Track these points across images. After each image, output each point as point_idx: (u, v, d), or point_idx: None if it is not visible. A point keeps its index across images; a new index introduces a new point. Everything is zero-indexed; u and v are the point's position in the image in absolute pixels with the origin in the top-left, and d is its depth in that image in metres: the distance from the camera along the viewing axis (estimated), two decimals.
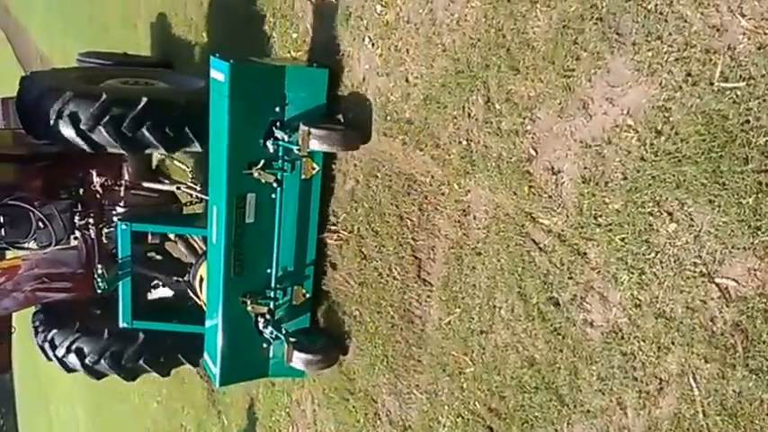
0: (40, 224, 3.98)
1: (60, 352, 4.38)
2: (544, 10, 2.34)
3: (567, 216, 2.31)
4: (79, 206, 4.09)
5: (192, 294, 4.08)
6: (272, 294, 3.50)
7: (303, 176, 3.39)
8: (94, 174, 4.12)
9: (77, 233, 4.10)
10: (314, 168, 3.41)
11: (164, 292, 4.30)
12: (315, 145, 3.10)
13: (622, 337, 2.16)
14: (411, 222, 3.06)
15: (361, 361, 3.46)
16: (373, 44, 3.19)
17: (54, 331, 4.39)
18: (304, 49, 3.67)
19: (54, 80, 3.80)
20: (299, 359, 3.40)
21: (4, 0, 20.71)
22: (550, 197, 2.37)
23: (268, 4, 4.01)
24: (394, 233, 3.16)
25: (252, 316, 3.48)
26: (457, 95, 2.72)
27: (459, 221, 2.78)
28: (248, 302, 3.42)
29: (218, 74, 3.12)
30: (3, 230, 3.94)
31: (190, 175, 4.48)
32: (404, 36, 2.98)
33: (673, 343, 2.02)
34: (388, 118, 3.14)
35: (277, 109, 3.22)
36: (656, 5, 1.99)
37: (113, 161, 4.25)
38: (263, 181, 3.24)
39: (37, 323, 4.47)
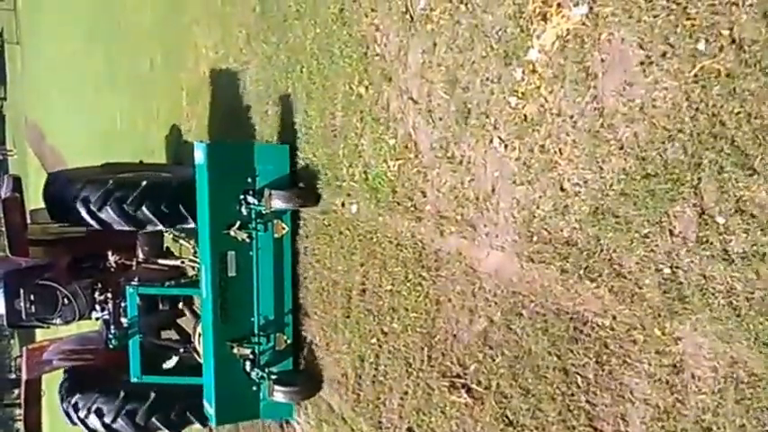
0: (65, 300, 4.69)
1: (82, 413, 4.92)
2: None
3: None
4: (99, 283, 4.81)
5: (195, 355, 4.70)
6: (256, 340, 4.13)
7: (275, 235, 4.14)
8: (110, 253, 4.96)
9: (98, 311, 4.82)
10: (283, 228, 4.15)
11: (173, 362, 4.94)
12: (277, 203, 3.89)
13: None
14: (584, 380, 2.38)
15: None
16: (506, 145, 2.65)
17: (77, 396, 4.97)
18: (406, 156, 3.16)
19: (73, 174, 4.74)
20: (279, 392, 4.05)
21: (39, 125, 21.50)
22: None
23: (353, 106, 3.55)
24: (556, 393, 2.48)
25: (240, 360, 4.09)
26: (649, 206, 2.12)
27: (666, 381, 2.11)
28: (234, 346, 4.04)
29: (200, 154, 3.94)
30: (33, 307, 4.60)
31: (192, 250, 5.16)
32: (554, 132, 2.44)
33: None
34: (535, 239, 2.55)
35: (249, 179, 3.99)
36: None
37: (128, 241, 5.00)
38: (240, 239, 3.97)
39: (63, 391, 5.04)
